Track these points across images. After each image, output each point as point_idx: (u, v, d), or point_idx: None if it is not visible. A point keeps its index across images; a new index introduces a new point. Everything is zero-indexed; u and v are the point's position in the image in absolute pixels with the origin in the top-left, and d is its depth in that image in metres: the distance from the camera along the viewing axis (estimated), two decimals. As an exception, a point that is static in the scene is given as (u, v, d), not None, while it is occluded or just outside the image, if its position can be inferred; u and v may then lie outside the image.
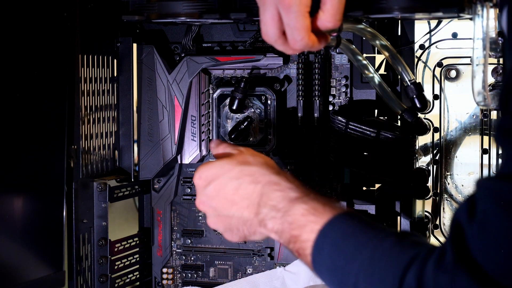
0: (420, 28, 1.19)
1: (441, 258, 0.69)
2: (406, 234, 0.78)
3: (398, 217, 1.22)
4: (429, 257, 0.70)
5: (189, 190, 1.30)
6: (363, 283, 0.75)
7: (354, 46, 1.16)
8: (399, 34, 1.21)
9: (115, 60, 1.25)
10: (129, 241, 1.28)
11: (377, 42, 1.15)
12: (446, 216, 1.21)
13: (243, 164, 0.94)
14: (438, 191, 1.21)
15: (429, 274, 0.69)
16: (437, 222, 1.22)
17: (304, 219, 0.84)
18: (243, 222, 0.92)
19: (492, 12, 1.04)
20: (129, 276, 1.28)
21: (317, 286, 1.16)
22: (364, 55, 1.21)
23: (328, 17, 0.88)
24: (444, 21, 1.18)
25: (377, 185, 1.22)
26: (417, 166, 1.21)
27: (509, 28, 0.68)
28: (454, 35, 1.18)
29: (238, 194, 0.92)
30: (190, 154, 1.27)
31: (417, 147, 1.21)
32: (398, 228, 1.23)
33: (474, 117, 1.18)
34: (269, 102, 1.22)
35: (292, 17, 0.87)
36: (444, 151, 1.20)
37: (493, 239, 0.65)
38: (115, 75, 1.25)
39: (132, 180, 1.27)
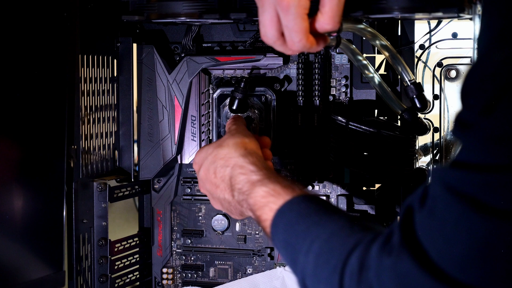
0: (420, 28, 1.19)
1: (387, 241, 0.70)
2: (359, 219, 0.81)
3: (398, 217, 1.22)
4: (376, 240, 0.71)
5: (189, 190, 1.30)
6: (310, 263, 0.77)
7: (354, 46, 1.16)
8: (399, 34, 1.21)
9: (115, 60, 1.25)
10: (129, 241, 1.28)
11: (377, 42, 1.15)
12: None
13: (218, 147, 1.01)
14: (438, 191, 1.21)
15: (373, 256, 0.70)
16: (437, 222, 1.22)
17: (264, 200, 0.89)
18: (229, 203, 0.98)
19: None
20: (129, 276, 1.28)
21: None
22: (364, 55, 1.21)
23: (327, 19, 0.88)
24: (444, 21, 1.18)
25: (377, 185, 1.22)
26: (417, 166, 1.21)
27: (483, 17, 0.69)
28: (454, 35, 1.18)
29: (217, 178, 0.99)
30: (190, 154, 1.27)
31: (417, 147, 1.21)
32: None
33: (474, 117, 1.18)
34: (269, 102, 1.22)
35: (290, 19, 0.86)
36: (444, 151, 1.20)
37: (439, 224, 0.66)
38: (115, 75, 1.25)
39: (132, 180, 1.27)
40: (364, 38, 1.16)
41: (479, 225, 0.63)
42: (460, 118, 0.66)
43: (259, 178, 0.93)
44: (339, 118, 1.15)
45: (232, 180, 0.96)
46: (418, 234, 0.67)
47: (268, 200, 0.88)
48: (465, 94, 0.65)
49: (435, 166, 0.74)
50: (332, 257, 0.75)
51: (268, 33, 0.89)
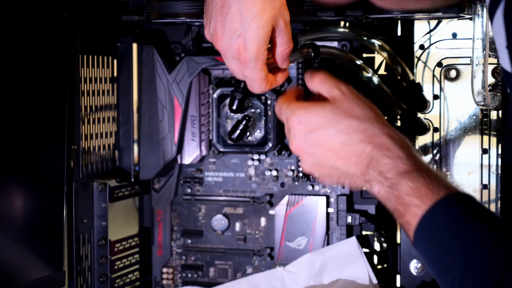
0: (420, 28, 1.19)
1: None
2: (506, 227, 0.80)
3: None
4: None
5: (189, 190, 1.30)
6: (468, 279, 0.77)
7: (345, 53, 1.17)
8: (399, 34, 1.21)
9: (115, 60, 1.25)
10: (129, 241, 1.28)
11: (375, 43, 1.15)
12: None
13: (353, 118, 0.94)
14: (438, 191, 1.21)
15: None
16: (437, 222, 1.22)
17: (408, 199, 0.86)
18: (348, 175, 0.94)
19: (492, 12, 1.04)
20: (129, 276, 1.28)
21: (316, 286, 1.16)
22: (364, 55, 1.21)
23: (282, 45, 0.96)
24: (444, 21, 1.18)
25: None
26: (417, 166, 1.21)
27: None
28: (454, 35, 1.18)
29: (345, 150, 0.93)
30: (190, 154, 1.27)
31: (417, 147, 1.21)
32: (398, 228, 1.23)
33: (474, 117, 1.18)
34: (269, 102, 1.22)
35: (249, 72, 0.95)
36: (444, 151, 1.20)
37: None
38: (115, 75, 1.25)
39: (132, 180, 1.27)
40: (360, 42, 1.17)
41: None
42: None
43: (407, 168, 0.89)
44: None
45: (373, 160, 0.91)
46: None
47: (412, 201, 0.86)
48: None
49: None
50: (487, 276, 0.76)
51: (239, 76, 0.98)
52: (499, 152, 1.15)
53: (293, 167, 1.25)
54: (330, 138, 0.94)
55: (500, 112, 1.14)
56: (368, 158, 0.91)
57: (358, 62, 1.16)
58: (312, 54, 1.04)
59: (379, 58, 1.20)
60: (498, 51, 0.79)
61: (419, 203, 0.85)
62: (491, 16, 0.78)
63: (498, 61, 1.13)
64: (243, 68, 0.96)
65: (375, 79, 1.17)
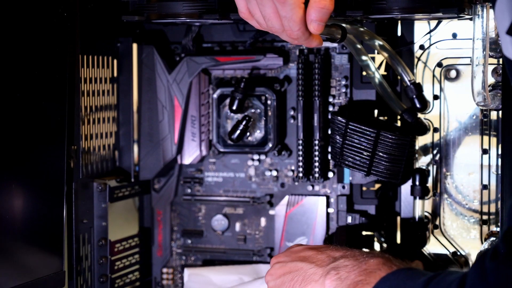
0: (420, 28, 1.19)
1: (495, 253, 0.75)
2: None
3: (398, 217, 1.22)
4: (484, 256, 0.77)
5: (189, 190, 1.30)
6: None
7: (361, 46, 1.16)
8: (399, 34, 1.21)
9: (115, 60, 1.25)
10: (129, 241, 1.28)
11: (376, 43, 1.15)
12: (446, 216, 1.21)
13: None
14: (438, 191, 1.21)
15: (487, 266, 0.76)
16: (437, 222, 1.22)
17: (376, 267, 0.92)
18: (304, 275, 1.00)
19: (492, 13, 1.04)
20: (129, 276, 1.28)
21: None
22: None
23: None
24: (444, 21, 1.18)
25: (377, 185, 1.22)
26: (417, 166, 1.21)
27: None
28: (454, 35, 1.18)
29: (319, 253, 1.03)
30: (190, 154, 1.27)
31: (417, 147, 1.21)
32: (398, 228, 1.23)
33: (474, 117, 1.18)
34: (269, 102, 1.22)
35: (287, 10, 0.91)
36: (444, 151, 1.20)
37: None
38: (115, 75, 1.25)
39: (132, 180, 1.27)
40: (362, 40, 1.16)
41: None
42: None
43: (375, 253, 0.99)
44: (339, 118, 1.15)
45: (346, 253, 0.99)
46: None
47: (378, 268, 0.92)
48: None
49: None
50: None
51: (275, 25, 0.93)
52: (499, 152, 1.15)
53: (293, 167, 1.25)
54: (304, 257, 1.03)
55: (500, 112, 1.14)
56: (343, 252, 1.00)
57: (381, 42, 1.15)
58: (339, 37, 1.03)
59: (379, 58, 1.20)
60: (500, 37, 0.78)
61: (386, 268, 0.92)
62: (493, 1, 0.78)
63: (498, 61, 1.13)
64: (280, 8, 0.91)
65: (378, 77, 1.17)
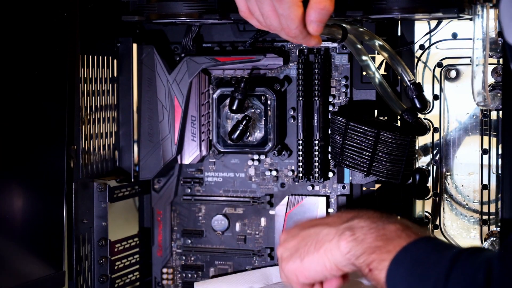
0: (420, 28, 1.19)
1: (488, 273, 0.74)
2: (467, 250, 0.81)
3: (398, 217, 1.22)
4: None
5: (189, 190, 1.30)
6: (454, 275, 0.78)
7: (361, 46, 1.16)
8: (399, 34, 1.21)
9: (115, 60, 1.25)
10: (129, 241, 1.28)
11: (376, 43, 1.15)
12: (446, 216, 1.21)
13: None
14: (438, 191, 1.21)
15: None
16: (437, 222, 1.22)
17: (395, 234, 0.86)
18: (317, 238, 0.93)
19: (492, 13, 1.04)
20: (129, 276, 1.28)
21: None
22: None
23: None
24: (444, 21, 1.18)
25: (377, 185, 1.22)
26: (417, 166, 1.21)
27: None
28: (454, 35, 1.18)
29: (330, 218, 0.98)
30: (190, 154, 1.27)
31: (417, 147, 1.21)
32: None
33: (474, 117, 1.18)
34: (269, 102, 1.22)
35: (285, 8, 0.91)
36: (444, 151, 1.20)
37: None
38: (115, 75, 1.25)
39: (132, 180, 1.27)
40: (362, 40, 1.16)
41: None
42: None
43: (390, 218, 0.91)
44: (339, 118, 1.15)
45: (358, 214, 0.93)
46: None
47: (398, 235, 0.87)
48: None
49: None
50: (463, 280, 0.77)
51: (273, 23, 0.93)
52: (499, 152, 1.15)
53: (293, 167, 1.25)
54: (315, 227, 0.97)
55: (500, 112, 1.14)
56: (355, 213, 0.93)
57: (381, 42, 1.15)
58: (340, 37, 1.03)
59: (379, 58, 1.20)
60: (503, 25, 0.78)
61: (406, 236, 0.86)
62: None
63: (498, 61, 1.13)
64: (278, 6, 0.91)
65: (378, 77, 1.17)
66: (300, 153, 1.20)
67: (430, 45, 1.19)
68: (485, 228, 1.19)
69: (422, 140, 1.21)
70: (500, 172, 1.13)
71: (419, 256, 0.82)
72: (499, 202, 1.14)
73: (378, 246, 0.85)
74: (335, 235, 0.90)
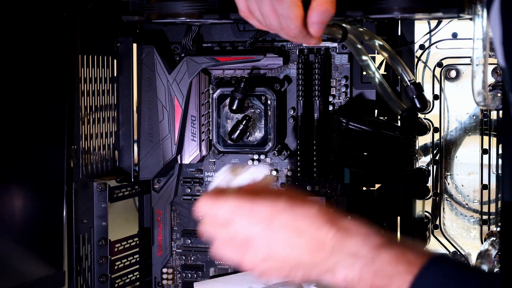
0: (420, 28, 1.19)
1: None
2: (490, 275, 0.78)
3: (398, 217, 1.22)
4: None
5: (189, 190, 1.30)
6: None
7: (361, 46, 1.16)
8: (399, 34, 1.21)
9: (115, 60, 1.25)
10: (129, 241, 1.28)
11: (376, 43, 1.15)
12: (446, 216, 1.21)
13: (307, 205, 0.82)
14: (438, 191, 1.21)
15: None
16: (437, 222, 1.22)
17: (392, 268, 0.77)
18: (302, 266, 0.81)
19: (492, 13, 1.04)
20: (129, 276, 1.28)
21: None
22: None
23: (320, 0, 0.91)
24: (444, 21, 1.18)
25: (377, 185, 1.22)
26: (417, 166, 1.21)
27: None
28: (454, 35, 1.18)
29: (304, 236, 0.81)
30: (190, 154, 1.27)
31: (417, 147, 1.21)
32: (398, 229, 1.23)
33: (474, 117, 1.18)
34: (269, 102, 1.22)
35: (284, 7, 0.91)
36: (444, 151, 1.20)
37: None
38: (115, 75, 1.25)
39: (132, 180, 1.27)
40: (362, 40, 1.16)
41: None
42: None
43: (381, 240, 0.79)
44: (339, 118, 1.15)
45: (337, 244, 0.79)
46: None
47: (397, 269, 0.76)
48: None
49: None
50: None
51: (273, 23, 0.93)
52: (499, 152, 1.15)
53: (293, 167, 1.25)
54: (285, 225, 0.81)
55: (500, 112, 1.14)
56: (332, 241, 0.80)
57: (381, 42, 1.14)
58: (340, 37, 1.03)
59: (379, 58, 1.20)
60: (495, 47, 0.78)
61: (406, 269, 0.76)
62: (488, 11, 0.78)
63: (498, 61, 1.13)
64: (277, 5, 0.91)
65: (378, 77, 1.17)
66: (300, 153, 1.20)
67: (430, 45, 1.19)
68: (485, 228, 1.19)
69: (422, 140, 1.21)
70: (500, 172, 1.13)
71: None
72: (499, 202, 1.14)
73: (381, 286, 0.77)
74: (325, 272, 0.80)
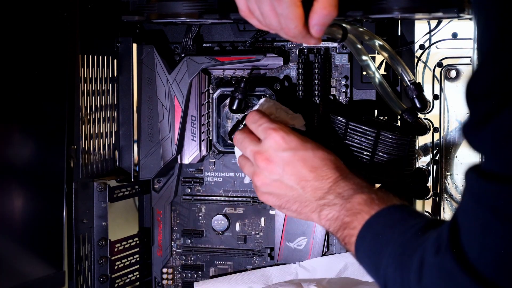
0: (420, 28, 1.19)
1: (437, 240, 0.73)
2: (434, 221, 0.83)
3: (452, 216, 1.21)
4: (431, 240, 0.75)
5: (189, 190, 1.30)
6: (390, 267, 0.81)
7: (361, 46, 1.16)
8: (399, 34, 1.21)
9: (115, 60, 1.25)
10: (129, 241, 1.28)
11: (376, 43, 1.15)
12: (446, 216, 1.21)
13: (329, 153, 1.01)
14: (438, 191, 1.21)
15: (426, 255, 0.74)
16: (437, 222, 1.22)
17: (359, 207, 0.91)
18: (300, 200, 0.99)
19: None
20: (129, 276, 1.28)
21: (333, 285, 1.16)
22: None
23: (323, 3, 0.91)
24: (444, 21, 1.18)
25: (377, 185, 1.22)
26: (417, 166, 1.21)
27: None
28: (454, 35, 1.18)
29: (315, 173, 0.98)
30: (190, 154, 1.27)
31: (417, 147, 1.21)
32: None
33: (474, 117, 1.18)
34: (269, 102, 1.22)
35: (284, 7, 0.91)
36: (444, 151, 1.20)
37: (473, 232, 0.69)
38: (115, 75, 1.25)
39: (132, 180, 1.27)
40: (362, 40, 1.16)
41: (503, 233, 0.66)
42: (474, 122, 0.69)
43: (363, 183, 0.96)
44: (339, 118, 1.15)
45: (335, 185, 0.97)
46: (461, 238, 0.70)
47: (362, 209, 0.91)
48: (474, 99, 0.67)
49: (470, 170, 0.77)
50: (405, 260, 0.78)
51: (272, 23, 0.94)
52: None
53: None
54: (305, 159, 0.99)
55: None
56: (331, 183, 0.97)
57: (381, 42, 1.15)
58: (340, 37, 1.04)
59: (379, 58, 1.20)
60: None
61: (369, 209, 0.89)
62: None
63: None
64: (277, 5, 0.91)
65: (378, 77, 1.17)
66: (300, 153, 1.20)
67: (430, 45, 1.19)
68: (485, 228, 1.19)
69: (422, 140, 1.21)
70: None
71: (378, 231, 0.86)
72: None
73: (347, 223, 0.91)
74: (315, 210, 0.97)
